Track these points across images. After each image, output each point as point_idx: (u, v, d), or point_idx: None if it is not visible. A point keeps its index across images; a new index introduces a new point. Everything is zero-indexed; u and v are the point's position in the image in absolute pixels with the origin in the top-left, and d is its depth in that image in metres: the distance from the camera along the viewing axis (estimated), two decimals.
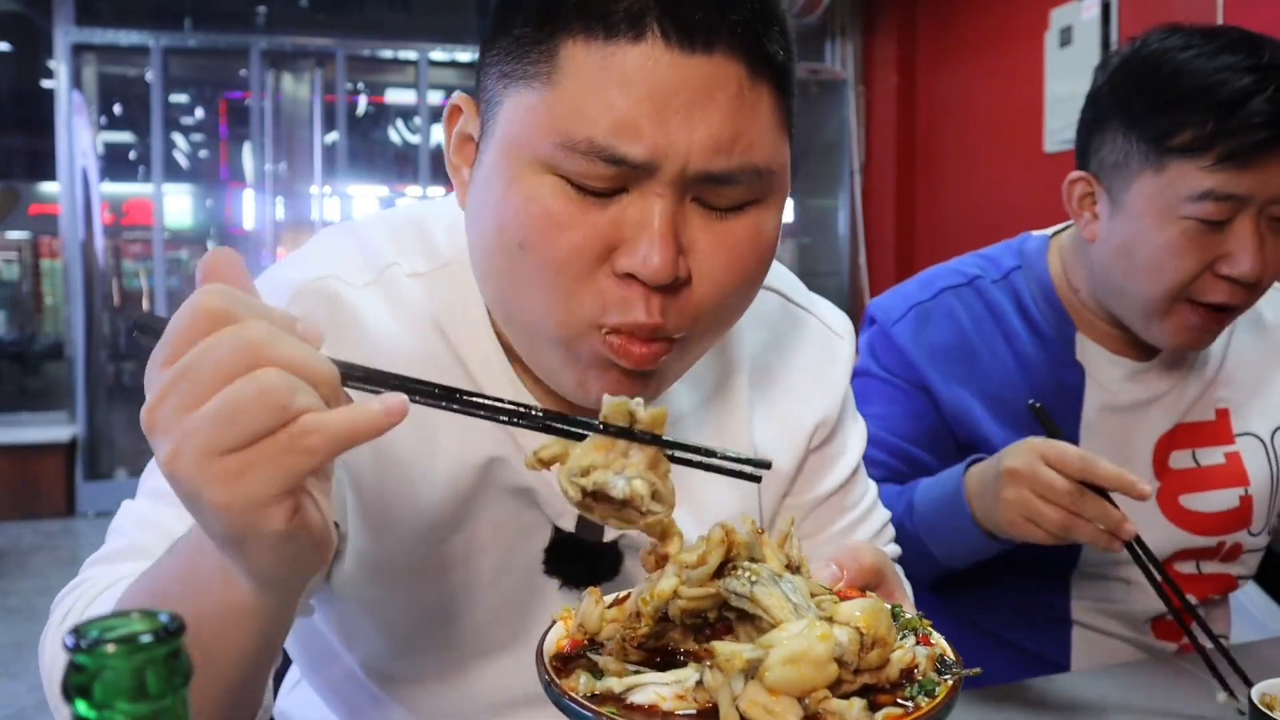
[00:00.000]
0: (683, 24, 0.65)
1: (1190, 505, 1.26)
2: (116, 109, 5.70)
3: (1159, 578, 1.01)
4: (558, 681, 0.55)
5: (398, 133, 6.10)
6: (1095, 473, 0.97)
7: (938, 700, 0.53)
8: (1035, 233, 1.36)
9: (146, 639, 0.35)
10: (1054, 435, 1.02)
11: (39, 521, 5.04)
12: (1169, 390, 1.26)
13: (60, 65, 5.08)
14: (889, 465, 1.25)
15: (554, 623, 0.62)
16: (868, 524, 0.99)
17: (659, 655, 0.59)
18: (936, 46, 5.22)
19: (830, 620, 0.54)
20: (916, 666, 0.56)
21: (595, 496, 0.57)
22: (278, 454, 0.49)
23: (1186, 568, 1.28)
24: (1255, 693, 0.87)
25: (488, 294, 0.78)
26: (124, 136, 5.84)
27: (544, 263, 0.69)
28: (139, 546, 0.74)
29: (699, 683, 0.54)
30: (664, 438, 0.58)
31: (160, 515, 0.75)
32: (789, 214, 6.11)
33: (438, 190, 5.53)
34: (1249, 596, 2.01)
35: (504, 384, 0.81)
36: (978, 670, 0.58)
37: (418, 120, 5.58)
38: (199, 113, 6.06)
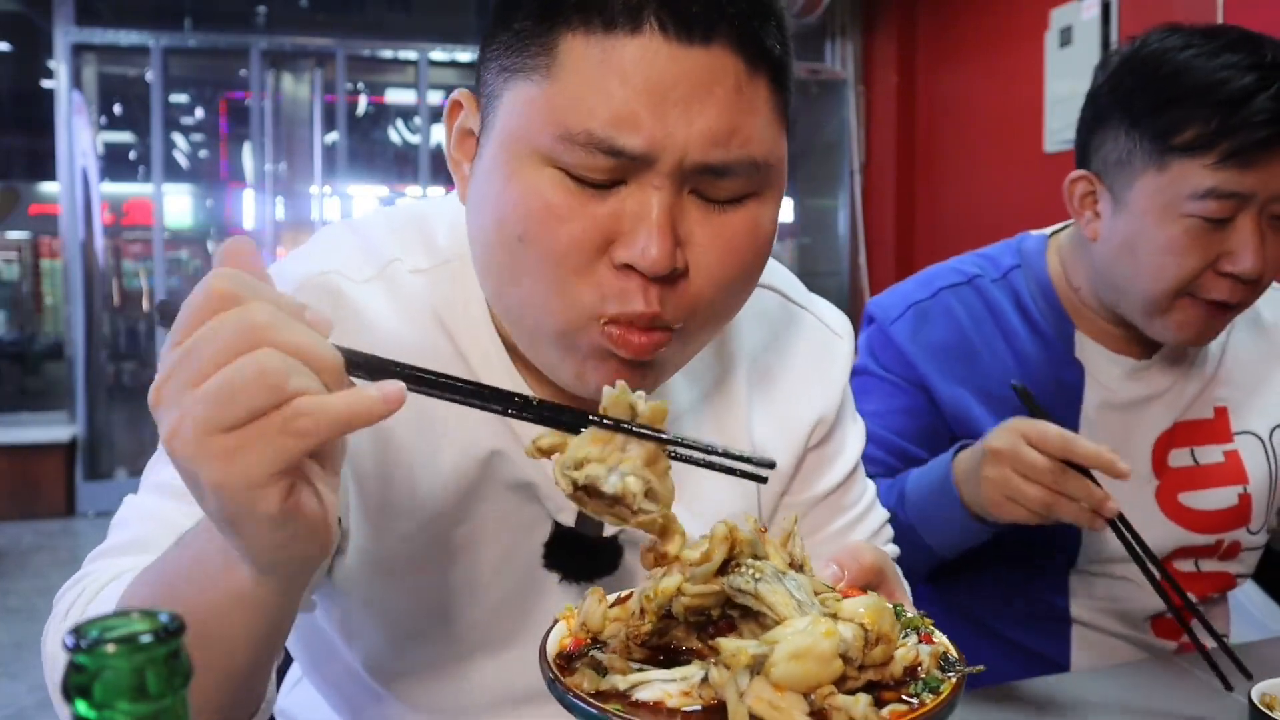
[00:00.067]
0: (681, 17, 0.66)
1: (1189, 503, 1.26)
2: (116, 109, 5.70)
3: (1144, 558, 1.02)
4: (562, 679, 0.55)
5: (398, 133, 6.10)
6: (1075, 451, 0.98)
7: (942, 697, 0.53)
8: (1034, 232, 1.36)
9: (146, 639, 0.35)
10: (1037, 415, 1.03)
11: (39, 521, 5.04)
12: (1168, 388, 1.26)
13: (60, 65, 5.08)
14: (887, 463, 1.25)
15: (556, 622, 0.62)
16: (866, 523, 0.99)
17: (662, 653, 0.59)
18: (936, 46, 5.22)
19: (834, 617, 0.54)
20: (920, 664, 0.56)
21: (588, 491, 0.56)
22: (272, 434, 0.49)
23: (1185, 566, 1.28)
24: (1255, 692, 0.87)
25: (488, 288, 0.78)
26: (124, 136, 5.84)
27: (543, 254, 0.69)
28: (142, 540, 0.74)
29: (704, 679, 0.54)
30: (665, 434, 0.57)
31: (163, 509, 0.75)
32: (789, 214, 6.12)
33: (438, 190, 5.53)
34: (1249, 596, 2.02)
35: (504, 379, 0.82)
36: (981, 667, 0.59)
37: (418, 120, 5.58)
38: (199, 113, 6.06)
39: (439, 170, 5.53)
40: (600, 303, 0.70)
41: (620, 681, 0.55)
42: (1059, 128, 4.13)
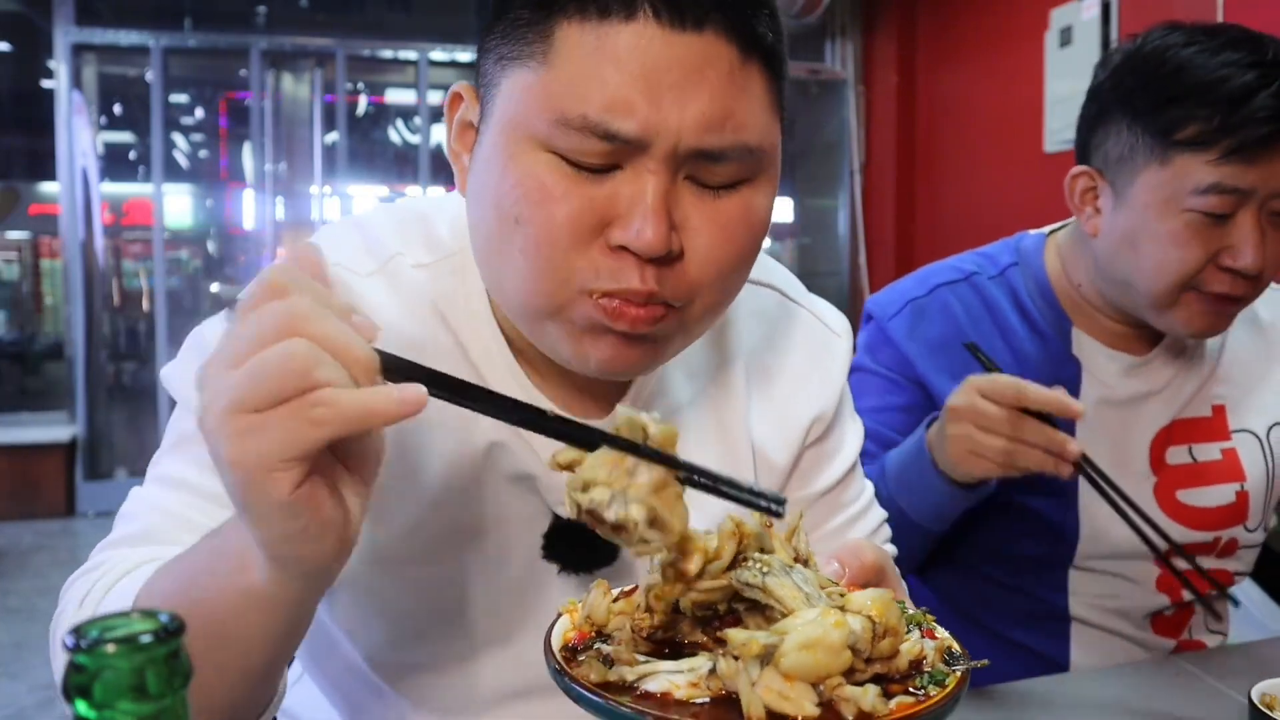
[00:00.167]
0: (673, 4, 0.67)
1: (1187, 500, 1.27)
2: (116, 109, 5.70)
3: (1121, 501, 1.05)
4: (568, 670, 0.55)
5: (398, 133, 6.10)
6: (1028, 397, 1.02)
7: (948, 690, 0.54)
8: (1032, 231, 1.37)
9: (146, 639, 0.36)
10: (991, 371, 1.07)
11: (39, 521, 5.04)
12: (1166, 385, 1.27)
13: (60, 65, 5.08)
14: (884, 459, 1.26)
15: (559, 615, 0.62)
16: (864, 521, 1.00)
17: (667, 647, 0.59)
18: (936, 46, 5.22)
19: (842, 610, 0.54)
20: (925, 658, 0.57)
21: (593, 515, 0.56)
22: (287, 419, 0.51)
23: (1183, 563, 1.28)
24: (1255, 693, 0.87)
25: (486, 273, 0.79)
26: (124, 136, 5.84)
27: (538, 233, 0.70)
28: (150, 532, 0.75)
29: (712, 671, 0.54)
30: (677, 459, 0.56)
31: (169, 501, 0.76)
32: (789, 214, 6.12)
33: (438, 190, 5.53)
34: (1248, 596, 2.02)
35: (504, 372, 0.83)
36: (985, 662, 0.59)
37: (418, 120, 5.58)
38: (199, 113, 6.06)
39: (439, 170, 5.53)
40: (594, 279, 0.71)
41: (628, 673, 0.55)
42: (1059, 128, 4.13)
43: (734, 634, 0.53)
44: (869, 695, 0.51)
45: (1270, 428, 1.31)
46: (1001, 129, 4.61)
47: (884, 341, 1.31)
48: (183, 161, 6.06)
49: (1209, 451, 1.28)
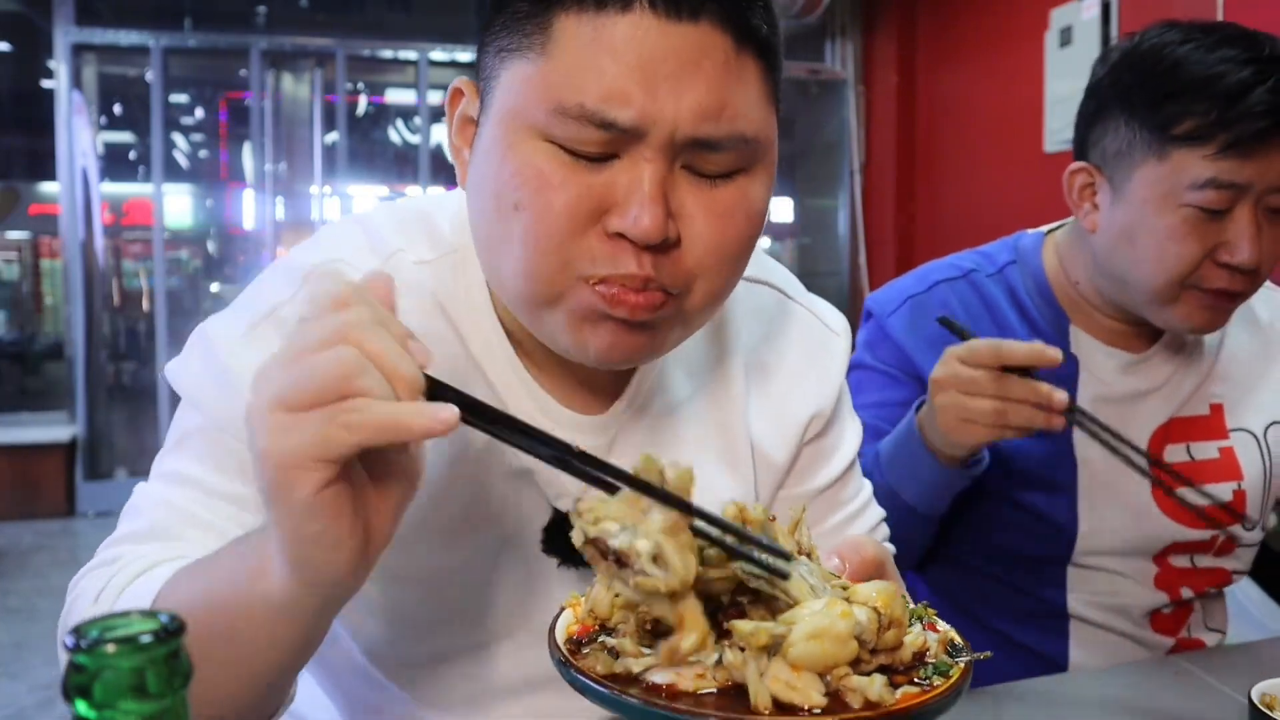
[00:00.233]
0: None
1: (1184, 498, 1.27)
2: (116, 109, 5.70)
3: (1118, 442, 1.07)
4: (574, 662, 0.55)
5: (398, 133, 6.10)
6: (1007, 354, 1.04)
7: (953, 680, 0.55)
8: (1030, 230, 1.38)
9: (146, 639, 0.36)
10: (967, 339, 1.09)
11: (39, 521, 5.04)
12: (1163, 383, 1.28)
13: (60, 65, 5.08)
14: None
15: (563, 609, 0.62)
16: (862, 520, 1.00)
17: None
18: (936, 46, 5.22)
19: (848, 601, 0.55)
20: (928, 650, 0.58)
21: (597, 544, 0.55)
22: (322, 420, 0.52)
23: (1181, 562, 1.29)
24: (1255, 693, 0.87)
25: (486, 264, 0.79)
26: (124, 136, 5.84)
27: (537, 219, 0.71)
28: (158, 527, 0.76)
29: (718, 661, 0.54)
30: (693, 505, 0.55)
31: (175, 496, 0.77)
32: (789, 214, 6.12)
33: (438, 190, 5.52)
34: (1248, 596, 2.02)
35: (504, 365, 0.83)
36: (988, 654, 0.60)
37: (418, 120, 5.58)
38: (199, 113, 6.06)
39: (439, 170, 5.54)
40: (591, 265, 0.71)
41: (634, 664, 0.55)
42: (1059, 128, 4.13)
43: (741, 625, 0.53)
44: (876, 685, 0.52)
45: (1268, 427, 1.31)
46: (1001, 129, 4.61)
47: (883, 338, 1.32)
48: (183, 161, 6.06)
49: (1207, 450, 1.29)
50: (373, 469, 0.57)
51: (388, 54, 5.52)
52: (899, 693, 0.53)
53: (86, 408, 5.19)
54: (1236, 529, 1.29)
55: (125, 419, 5.51)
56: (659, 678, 0.54)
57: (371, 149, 6.01)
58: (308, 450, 0.53)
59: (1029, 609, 1.29)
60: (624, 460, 0.89)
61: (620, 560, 0.53)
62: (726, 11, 0.70)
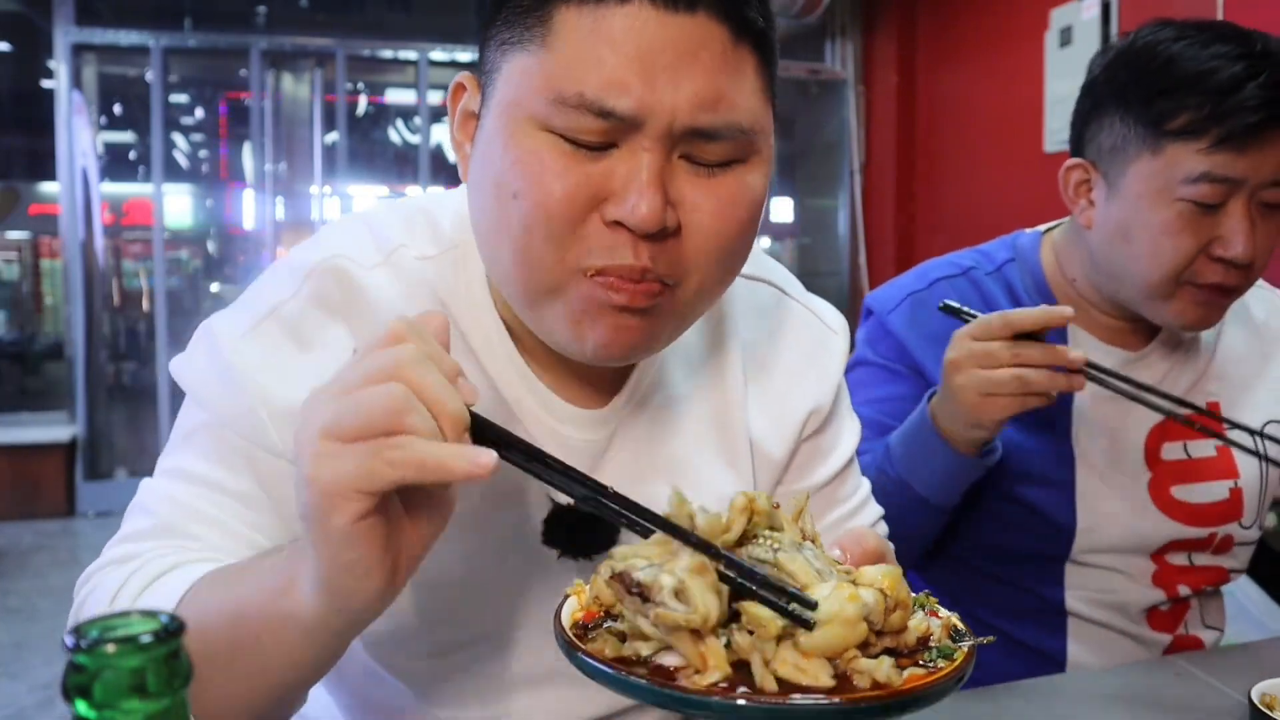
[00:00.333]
0: None
1: (1181, 496, 1.27)
2: (116, 109, 5.70)
3: (1131, 389, 1.10)
4: (581, 646, 0.56)
5: (398, 133, 6.10)
6: (1018, 321, 1.06)
7: (957, 662, 0.56)
8: (1028, 229, 1.39)
9: (146, 639, 0.36)
10: (969, 321, 1.11)
11: (39, 521, 5.04)
12: (1160, 382, 1.28)
13: (60, 65, 5.07)
14: None
15: (567, 596, 0.63)
16: (860, 518, 1.01)
17: None
18: (936, 46, 5.22)
19: (854, 584, 0.56)
20: (932, 635, 0.59)
21: (622, 579, 0.56)
22: (366, 453, 0.54)
23: (1178, 559, 1.29)
24: (1255, 693, 0.87)
25: (486, 255, 0.80)
26: (124, 136, 5.84)
27: (536, 208, 0.71)
28: (166, 523, 0.77)
29: (727, 644, 0.54)
30: (722, 551, 0.56)
31: (181, 493, 0.78)
32: (789, 214, 6.12)
33: (438, 190, 5.52)
34: (1247, 595, 2.02)
35: (504, 361, 0.84)
36: (991, 638, 0.61)
37: (418, 120, 5.58)
38: (199, 113, 6.06)
39: (439, 170, 5.54)
40: (589, 255, 0.72)
41: (642, 647, 0.55)
42: (1059, 128, 4.13)
43: (757, 610, 0.53)
44: (883, 666, 0.52)
45: (1264, 425, 1.32)
46: (1001, 129, 4.61)
47: (884, 334, 1.33)
48: (183, 161, 6.06)
49: (1203, 448, 1.29)
50: (408, 501, 0.59)
51: (388, 54, 5.52)
52: (906, 673, 0.54)
53: (86, 408, 5.19)
54: (1233, 527, 1.29)
55: (125, 419, 5.51)
56: (667, 660, 0.54)
57: (371, 149, 6.01)
58: (350, 480, 0.54)
59: (1027, 606, 1.30)
60: (623, 455, 0.90)
61: (644, 595, 0.54)
62: (724, 4, 0.70)
